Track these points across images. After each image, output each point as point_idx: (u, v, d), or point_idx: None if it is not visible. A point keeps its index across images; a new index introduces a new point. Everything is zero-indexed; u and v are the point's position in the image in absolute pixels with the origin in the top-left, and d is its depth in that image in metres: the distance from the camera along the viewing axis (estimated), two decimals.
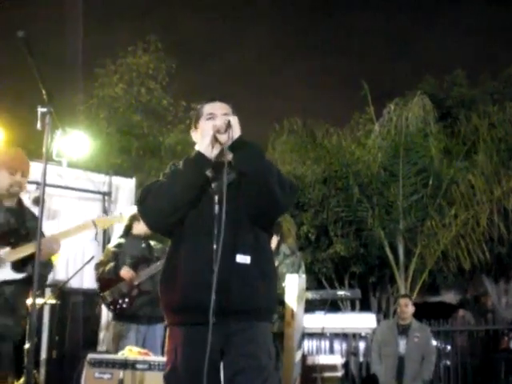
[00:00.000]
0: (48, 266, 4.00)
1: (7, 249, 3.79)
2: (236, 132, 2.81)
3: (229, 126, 2.81)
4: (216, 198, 2.86)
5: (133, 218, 5.84)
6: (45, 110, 3.14)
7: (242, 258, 2.81)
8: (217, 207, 2.85)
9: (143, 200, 2.89)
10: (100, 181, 7.89)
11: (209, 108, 3.03)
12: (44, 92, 3.13)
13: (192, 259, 2.80)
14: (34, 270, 3.90)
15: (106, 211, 7.71)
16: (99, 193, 7.83)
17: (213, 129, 2.84)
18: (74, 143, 7.27)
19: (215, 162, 2.88)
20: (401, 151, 11.04)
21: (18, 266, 3.80)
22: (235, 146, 2.80)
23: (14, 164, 3.96)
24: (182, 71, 18.26)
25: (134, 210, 5.93)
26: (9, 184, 3.90)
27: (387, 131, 11.48)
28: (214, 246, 2.76)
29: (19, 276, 3.80)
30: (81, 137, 7.44)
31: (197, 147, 2.93)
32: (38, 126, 3.13)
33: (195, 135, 3.07)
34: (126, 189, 8.01)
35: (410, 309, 7.33)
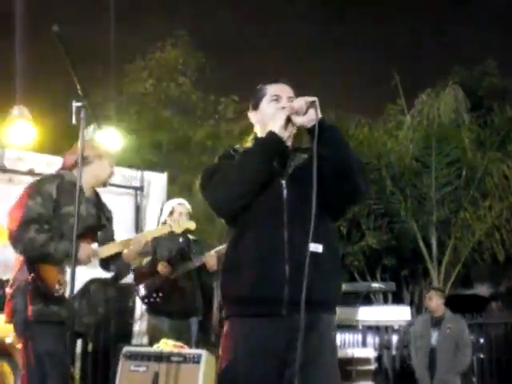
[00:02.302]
0: (130, 266, 4.08)
1: (96, 245, 3.76)
2: (319, 114, 2.66)
3: (311, 106, 2.66)
4: (283, 182, 2.74)
5: (170, 214, 5.88)
6: (80, 104, 3.15)
7: (315, 247, 2.63)
8: (285, 192, 2.72)
9: (208, 184, 2.76)
10: (132, 176, 7.93)
11: (274, 89, 2.90)
12: (78, 87, 3.14)
13: (262, 247, 2.65)
14: (122, 272, 3.99)
15: (138, 206, 7.77)
16: (131, 187, 7.87)
17: (289, 110, 2.69)
18: (106, 139, 7.31)
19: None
20: (433, 142, 10.93)
21: (105, 264, 3.80)
22: (319, 129, 2.64)
23: (112, 156, 4.03)
24: (211, 66, 18.25)
25: (169, 205, 5.97)
26: (108, 175, 3.93)
27: (419, 122, 11.38)
28: (286, 234, 2.64)
29: (107, 275, 3.81)
30: (112, 132, 7.48)
31: (259, 128, 2.88)
32: (73, 120, 3.13)
33: (255, 116, 2.94)
34: (157, 184, 8.04)
35: (435, 302, 7.26)
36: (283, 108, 2.76)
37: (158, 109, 17.64)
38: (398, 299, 12.98)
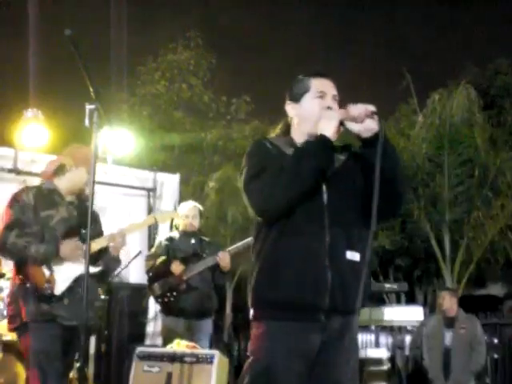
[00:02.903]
0: (118, 260, 4.11)
1: (80, 243, 3.86)
2: (378, 125, 2.56)
3: (370, 116, 2.55)
4: (323, 185, 2.64)
5: (184, 216, 5.92)
6: (92, 107, 3.17)
7: (352, 255, 2.61)
8: (325, 196, 2.64)
9: (254, 183, 2.62)
10: (145, 177, 7.96)
11: (319, 84, 2.76)
12: (91, 89, 3.17)
13: (304, 252, 2.57)
14: (110, 266, 4.05)
15: (151, 207, 7.80)
16: (144, 189, 7.90)
17: (345, 115, 2.59)
18: (119, 140, 7.35)
19: None
20: (445, 142, 10.90)
21: (92, 259, 3.81)
22: (377, 141, 2.54)
23: (91, 163, 4.05)
24: (223, 67, 18.30)
25: (184, 208, 6.01)
26: (85, 182, 3.97)
27: (431, 122, 11.35)
28: (327, 240, 2.58)
29: (95, 269, 3.89)
30: (125, 134, 7.51)
31: (297, 122, 2.78)
32: (86, 122, 3.16)
33: (295, 109, 2.80)
34: (170, 185, 8.07)
35: (448, 302, 7.22)
36: (333, 110, 2.66)
37: (170, 110, 17.71)
38: (411, 299, 12.96)
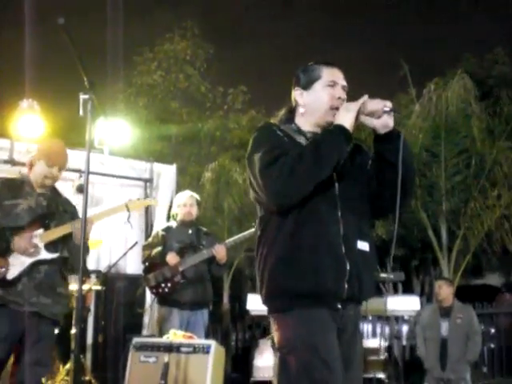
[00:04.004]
0: (84, 248, 4.07)
1: (40, 231, 3.94)
2: (392, 122, 2.61)
3: (387, 112, 2.58)
4: (334, 175, 2.65)
5: (182, 206, 5.91)
6: (86, 96, 3.16)
7: (362, 245, 2.67)
8: (337, 185, 2.67)
9: (269, 171, 2.57)
10: (141, 168, 7.96)
11: (330, 73, 2.76)
12: (85, 79, 3.16)
13: (323, 241, 2.59)
14: (72, 253, 4.05)
15: (147, 197, 7.79)
16: (141, 179, 7.90)
17: (362, 108, 2.60)
18: (115, 131, 7.33)
19: None
20: (442, 132, 10.88)
21: (50, 247, 3.96)
22: (392, 136, 2.62)
23: (54, 157, 4.11)
24: (220, 57, 18.24)
25: (181, 197, 6.00)
26: (44, 175, 4.06)
27: (427, 112, 11.32)
28: (341, 230, 2.61)
29: (52, 256, 3.95)
30: (121, 125, 7.49)
31: (304, 109, 2.77)
32: (80, 112, 3.15)
33: (304, 96, 2.78)
34: (167, 175, 8.06)
35: (445, 291, 7.24)
36: (365, 105, 2.63)
37: (167, 100, 17.66)
38: (408, 289, 12.97)
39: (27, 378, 3.83)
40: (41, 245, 3.92)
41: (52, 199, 4.11)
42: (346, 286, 2.58)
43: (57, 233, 3.96)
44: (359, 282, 2.61)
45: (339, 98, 2.72)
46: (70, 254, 4.07)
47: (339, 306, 2.61)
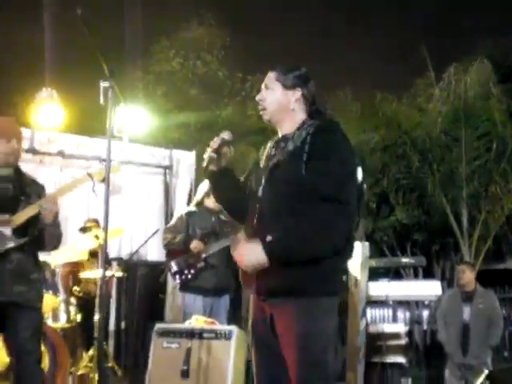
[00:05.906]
0: (56, 225, 4.02)
1: (7, 216, 3.83)
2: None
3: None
4: (263, 179, 2.86)
5: (205, 194, 5.92)
6: (107, 84, 3.18)
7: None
8: (260, 189, 2.84)
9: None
10: (161, 155, 7.99)
11: None
12: (105, 67, 3.17)
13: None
14: (44, 234, 3.95)
15: (167, 184, 7.82)
16: (160, 167, 7.93)
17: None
18: (134, 119, 7.36)
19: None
20: (462, 116, 10.78)
21: (19, 231, 3.84)
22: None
23: (9, 131, 4.00)
24: (238, 43, 18.18)
25: (205, 185, 6.01)
26: (5, 153, 3.95)
27: (447, 95, 11.22)
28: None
29: (22, 240, 3.84)
30: (140, 112, 7.52)
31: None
32: (101, 100, 3.17)
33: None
34: (186, 162, 8.08)
35: (468, 275, 7.19)
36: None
37: (186, 87, 17.64)
38: (428, 274, 12.87)
39: (18, 367, 3.83)
40: (8, 232, 3.80)
41: (17, 181, 4.00)
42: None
43: (24, 215, 3.82)
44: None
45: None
46: (41, 234, 3.94)
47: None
